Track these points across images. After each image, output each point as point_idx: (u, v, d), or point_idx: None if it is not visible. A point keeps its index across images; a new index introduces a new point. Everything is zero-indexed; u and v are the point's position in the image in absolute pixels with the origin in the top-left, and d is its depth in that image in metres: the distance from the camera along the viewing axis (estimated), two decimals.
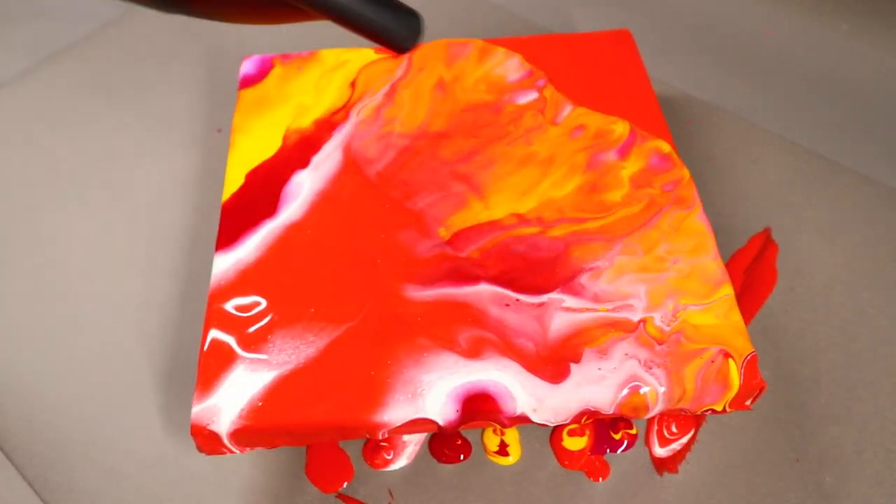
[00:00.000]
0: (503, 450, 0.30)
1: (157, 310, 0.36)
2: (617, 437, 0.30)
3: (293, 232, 0.31)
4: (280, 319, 0.28)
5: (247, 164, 0.34)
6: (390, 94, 0.36)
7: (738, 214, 0.37)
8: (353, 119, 0.35)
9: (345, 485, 0.30)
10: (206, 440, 0.26)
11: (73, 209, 0.40)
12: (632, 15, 0.48)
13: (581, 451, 0.30)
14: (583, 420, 0.28)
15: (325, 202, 0.32)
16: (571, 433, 0.30)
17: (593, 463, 0.30)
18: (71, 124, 0.44)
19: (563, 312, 0.28)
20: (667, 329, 0.27)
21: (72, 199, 0.40)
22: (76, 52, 0.48)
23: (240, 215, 0.32)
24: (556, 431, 0.30)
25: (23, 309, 0.36)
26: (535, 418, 0.27)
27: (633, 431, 0.30)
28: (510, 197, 0.32)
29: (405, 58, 0.38)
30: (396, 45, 0.24)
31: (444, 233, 0.31)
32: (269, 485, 0.30)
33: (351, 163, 0.34)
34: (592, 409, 0.26)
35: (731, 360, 0.27)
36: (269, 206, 0.32)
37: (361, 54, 0.38)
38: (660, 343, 0.27)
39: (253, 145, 0.34)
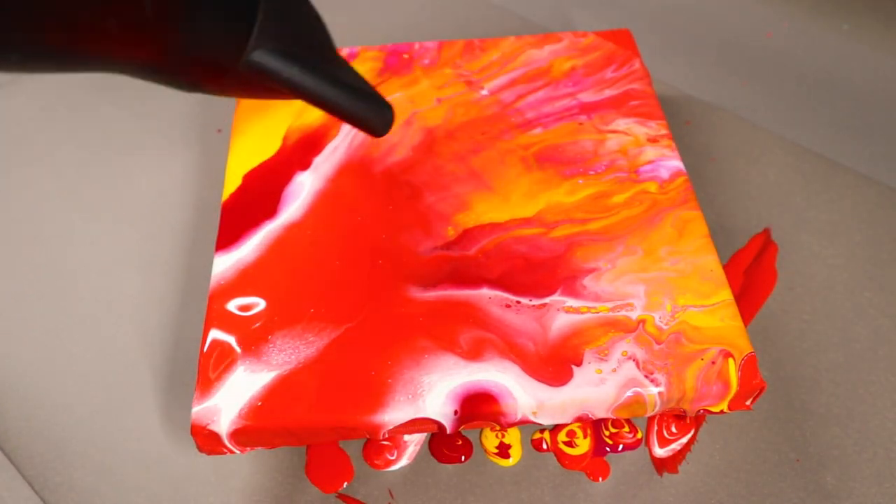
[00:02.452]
0: (504, 451, 0.30)
1: (157, 310, 0.36)
2: (608, 432, 0.30)
3: (293, 232, 0.31)
4: (280, 320, 0.28)
5: (247, 164, 0.34)
6: (399, 94, 0.36)
7: (738, 214, 0.37)
8: None
9: (345, 485, 0.30)
10: (206, 440, 0.26)
11: (73, 209, 0.40)
12: (632, 15, 0.48)
13: (583, 455, 0.30)
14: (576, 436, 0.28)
15: (325, 203, 0.32)
16: (570, 443, 0.30)
17: (593, 463, 0.30)
18: (71, 124, 0.44)
19: (564, 314, 0.28)
20: (665, 328, 0.27)
21: (71, 199, 0.40)
22: None
23: (240, 215, 0.32)
24: (552, 433, 0.30)
25: (23, 309, 0.36)
26: (536, 420, 0.27)
27: (640, 436, 0.30)
28: (515, 199, 0.32)
29: (418, 60, 0.38)
30: (374, 132, 0.26)
31: (451, 232, 0.31)
32: (269, 485, 0.30)
33: (354, 164, 0.34)
34: (592, 413, 0.26)
35: (731, 360, 0.27)
36: (269, 207, 0.32)
37: (367, 54, 0.38)
38: (658, 343, 0.27)
39: (253, 145, 0.34)
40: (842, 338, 0.33)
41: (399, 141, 0.34)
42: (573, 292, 0.29)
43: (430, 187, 0.32)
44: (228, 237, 0.31)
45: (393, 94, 0.36)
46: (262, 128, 0.35)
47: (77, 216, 0.40)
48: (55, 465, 0.31)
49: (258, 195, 0.32)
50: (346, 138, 0.34)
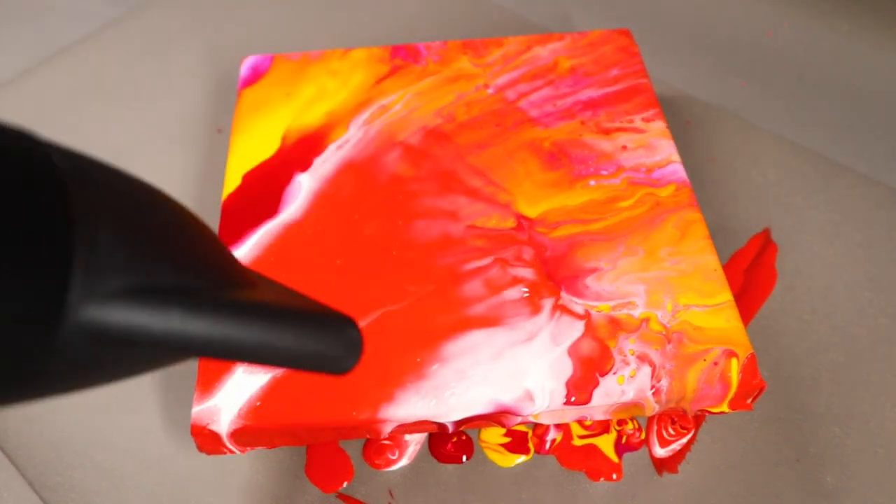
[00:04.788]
0: (508, 448, 0.30)
1: None
2: (613, 427, 0.30)
3: (294, 232, 0.31)
4: None
5: (247, 164, 0.34)
6: (397, 95, 0.36)
7: (738, 214, 0.37)
8: (360, 120, 0.35)
9: (345, 484, 0.30)
10: (207, 440, 0.26)
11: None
12: (632, 15, 0.48)
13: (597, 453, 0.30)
14: (586, 422, 0.28)
15: (326, 202, 0.32)
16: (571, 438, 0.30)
17: (595, 463, 0.30)
18: (71, 124, 0.44)
19: (567, 315, 0.28)
20: (668, 327, 0.27)
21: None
22: (76, 52, 0.48)
23: (240, 215, 0.32)
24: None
25: None
26: (537, 421, 0.27)
27: (642, 437, 0.30)
28: (521, 199, 0.32)
29: (421, 60, 0.38)
30: (337, 369, 0.16)
31: (460, 231, 0.31)
32: (269, 485, 0.30)
33: (357, 163, 0.33)
34: (591, 415, 0.26)
35: (733, 360, 0.27)
36: (269, 207, 0.32)
37: (370, 53, 0.38)
38: (660, 342, 0.27)
39: (252, 145, 0.34)
40: (842, 337, 0.33)
41: (404, 139, 0.34)
42: (575, 292, 0.29)
43: (435, 186, 0.32)
44: (228, 237, 0.31)
45: (398, 91, 0.36)
46: (262, 127, 0.35)
47: None
48: (55, 465, 0.31)
49: (258, 195, 0.32)
50: (349, 138, 0.34)
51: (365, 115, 0.35)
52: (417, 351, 0.27)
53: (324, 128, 0.35)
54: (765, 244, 0.36)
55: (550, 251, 0.30)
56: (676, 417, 0.30)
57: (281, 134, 0.35)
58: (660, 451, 0.30)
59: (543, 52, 0.38)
